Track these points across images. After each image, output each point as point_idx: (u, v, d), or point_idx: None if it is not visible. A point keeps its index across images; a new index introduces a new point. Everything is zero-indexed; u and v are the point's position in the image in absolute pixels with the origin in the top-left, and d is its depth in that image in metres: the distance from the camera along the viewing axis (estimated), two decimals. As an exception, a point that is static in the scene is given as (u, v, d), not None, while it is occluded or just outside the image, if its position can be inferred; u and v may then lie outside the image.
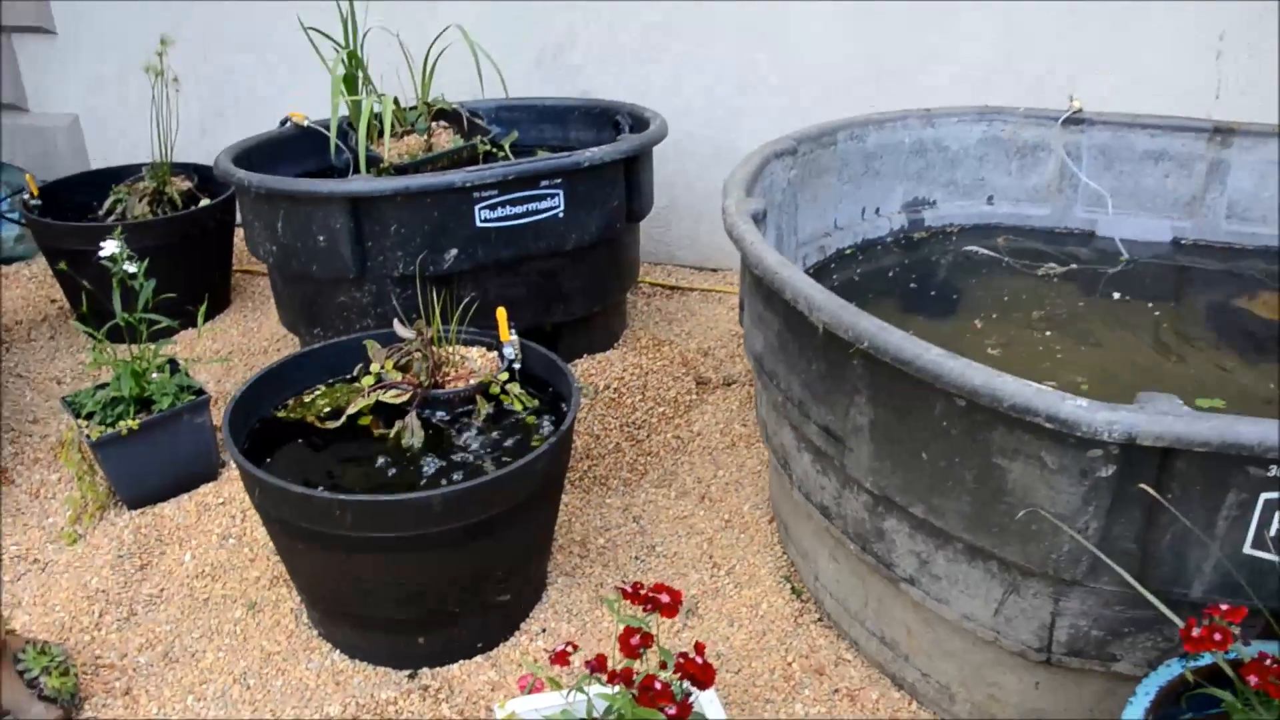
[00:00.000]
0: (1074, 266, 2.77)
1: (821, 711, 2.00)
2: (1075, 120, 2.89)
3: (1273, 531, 1.48)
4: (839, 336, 1.69)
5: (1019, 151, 2.94)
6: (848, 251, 2.78)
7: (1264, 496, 1.45)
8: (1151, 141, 2.89)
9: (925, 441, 1.65)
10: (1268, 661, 1.37)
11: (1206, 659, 1.47)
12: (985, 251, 2.84)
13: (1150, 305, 2.62)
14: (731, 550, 2.43)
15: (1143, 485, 1.45)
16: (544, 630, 2.23)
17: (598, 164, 2.88)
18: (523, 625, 2.24)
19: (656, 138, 3.12)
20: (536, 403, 2.34)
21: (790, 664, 2.11)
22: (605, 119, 3.47)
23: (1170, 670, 1.50)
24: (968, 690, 1.90)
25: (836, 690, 2.05)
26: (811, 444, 1.95)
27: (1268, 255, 2.87)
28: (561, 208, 2.90)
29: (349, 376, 2.45)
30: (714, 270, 4.01)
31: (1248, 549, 1.50)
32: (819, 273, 2.68)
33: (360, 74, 3.08)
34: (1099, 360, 2.37)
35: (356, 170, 2.95)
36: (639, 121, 3.28)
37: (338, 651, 2.20)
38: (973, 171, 2.95)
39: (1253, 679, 1.36)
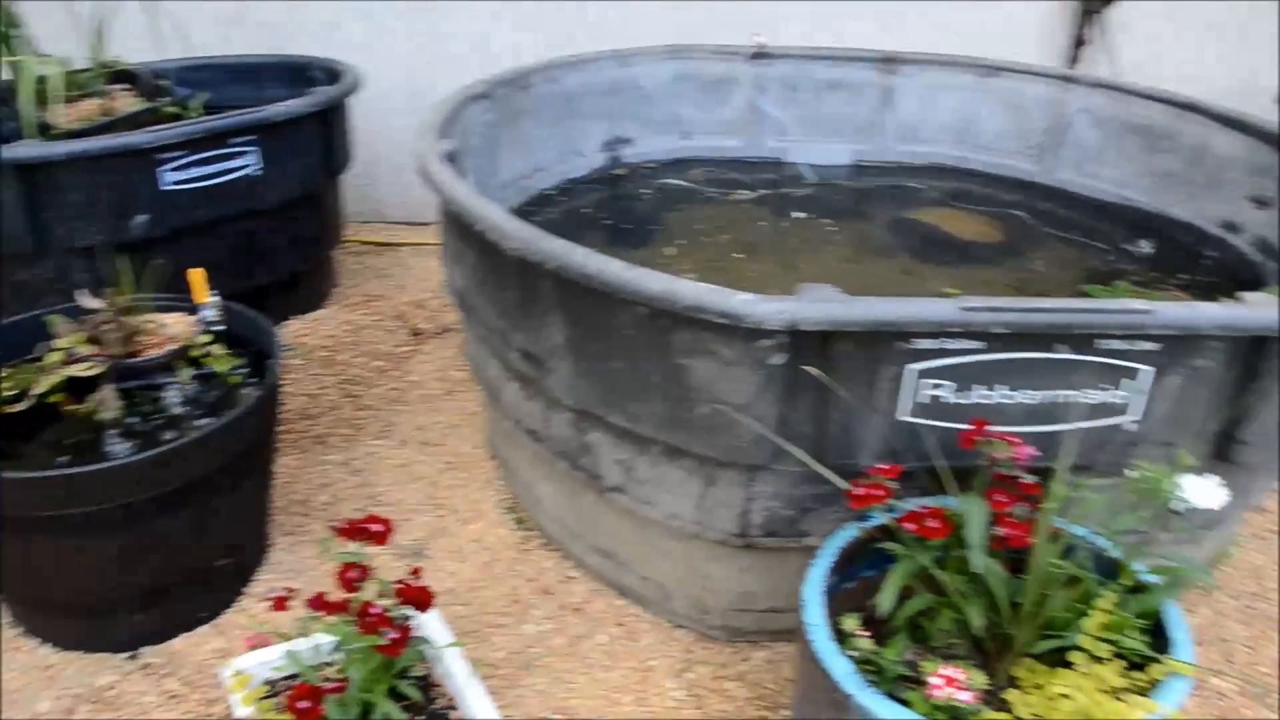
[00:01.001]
0: (764, 192, 2.94)
1: (552, 628, 2.07)
2: (760, 55, 3.05)
3: (923, 399, 1.64)
4: (531, 261, 1.74)
5: (710, 87, 3.07)
6: (550, 192, 2.83)
7: (909, 368, 1.61)
8: (829, 71, 3.09)
9: (616, 352, 1.72)
10: (922, 510, 1.53)
11: (877, 519, 1.62)
12: (682, 183, 2.96)
13: (834, 222, 2.83)
14: (454, 491, 2.46)
15: (808, 368, 1.58)
16: (270, 591, 2.17)
17: (291, 118, 2.81)
18: (246, 590, 2.19)
19: (350, 89, 3.07)
20: (242, 363, 2.27)
21: (518, 588, 2.16)
22: (299, 75, 3.37)
23: (847, 533, 1.64)
24: (683, 586, 2.01)
25: (564, 606, 2.12)
26: (516, 371, 2.00)
27: (935, 171, 3.15)
28: (257, 165, 2.81)
29: (32, 357, 2.30)
30: (424, 225, 3.98)
31: (902, 416, 1.66)
32: (522, 213, 2.71)
33: (15, 33, 2.86)
34: (789, 275, 2.54)
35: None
36: (333, 75, 3.22)
37: (48, 646, 2.07)
38: (668, 108, 3.06)
39: (910, 526, 1.52)
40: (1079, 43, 3.45)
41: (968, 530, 1.49)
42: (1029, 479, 1.56)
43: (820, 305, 1.52)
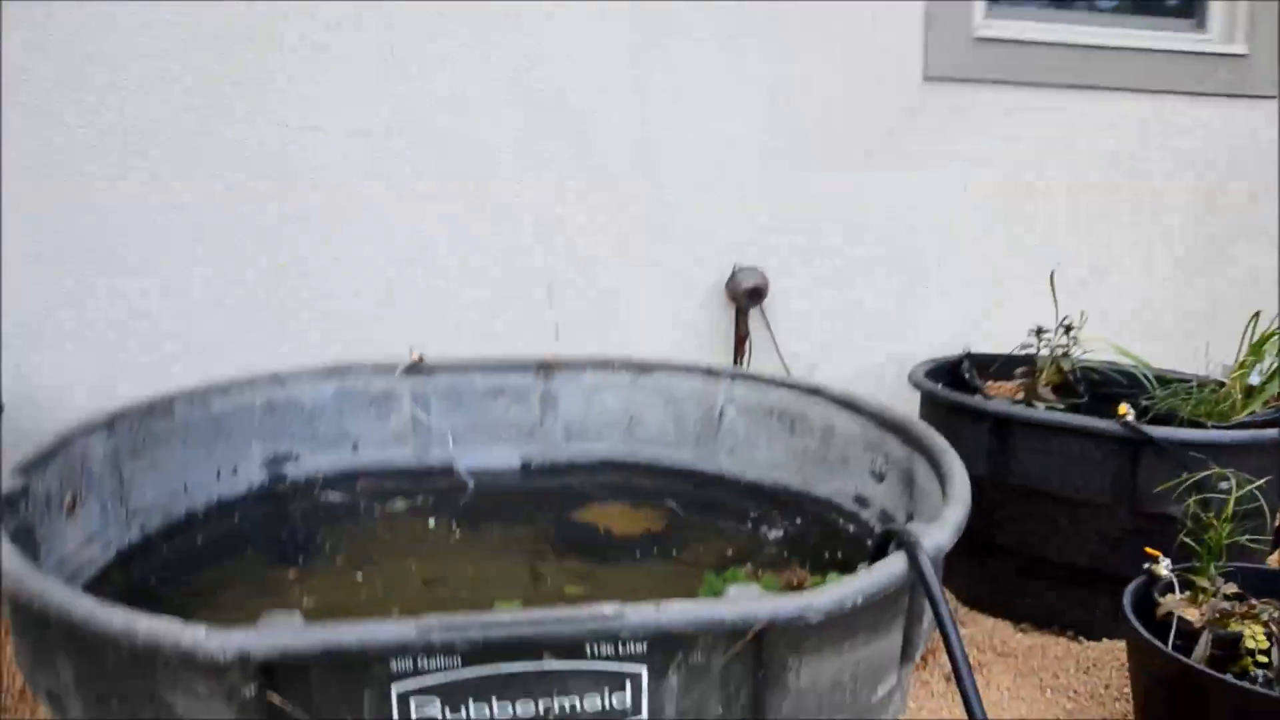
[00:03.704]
0: (419, 500, 2.99)
1: None
2: (418, 370, 3.18)
3: (414, 717, 1.63)
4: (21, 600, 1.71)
5: (373, 401, 3.16)
6: (199, 513, 2.81)
7: (395, 689, 1.61)
8: (488, 381, 3.23)
9: (112, 689, 1.68)
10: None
11: None
12: (344, 498, 2.99)
13: (495, 527, 2.87)
14: (48, 847, 2.29)
15: (269, 696, 1.56)
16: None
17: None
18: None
19: None
20: None
21: None
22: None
23: None
24: None
25: None
26: (59, 711, 1.92)
27: (603, 468, 3.26)
28: None
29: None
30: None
31: (398, 739, 1.64)
32: (167, 535, 2.69)
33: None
34: (425, 591, 2.54)
35: None
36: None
37: None
38: (333, 424, 3.13)
39: None
40: (740, 338, 3.69)
41: None
42: (503, 797, 1.54)
43: (272, 634, 1.52)
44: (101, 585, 2.41)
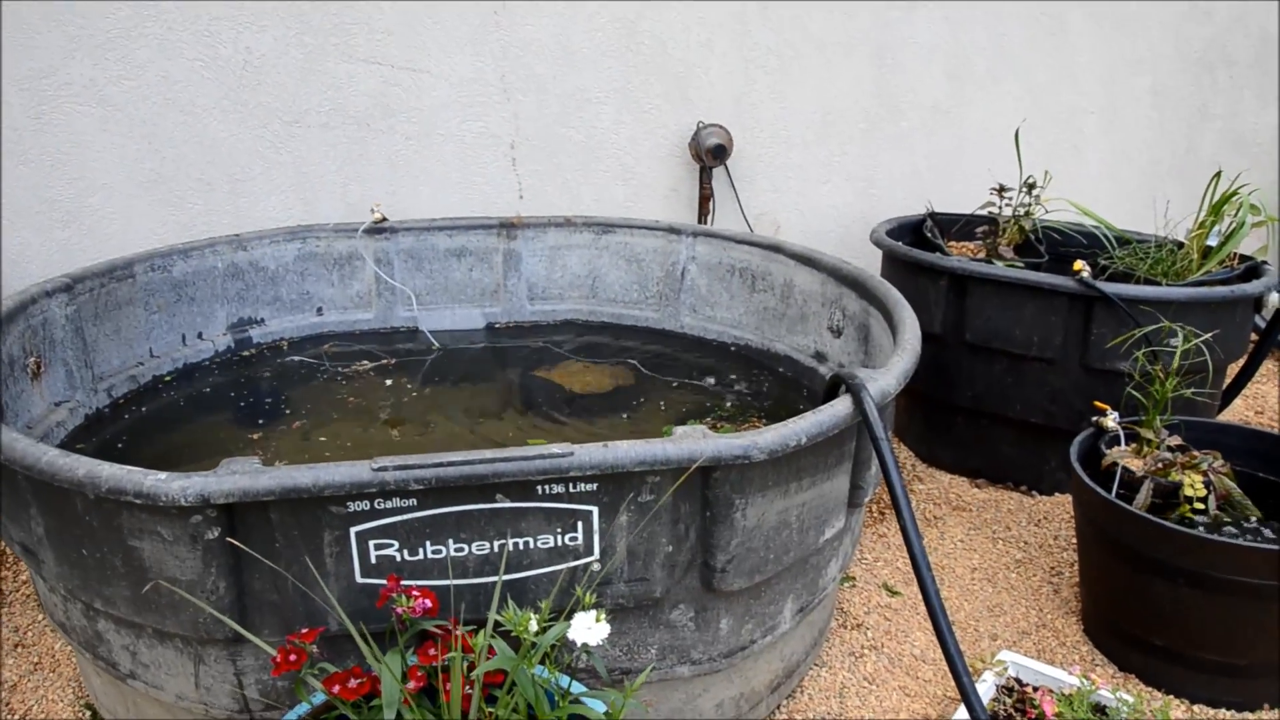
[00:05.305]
0: (385, 362, 3.02)
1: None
2: (380, 230, 3.17)
3: (374, 560, 1.70)
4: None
5: (337, 263, 3.17)
6: (167, 378, 2.85)
7: (353, 530, 1.67)
8: (451, 241, 3.23)
9: (81, 538, 1.73)
10: (353, 682, 1.56)
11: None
12: (309, 360, 3.02)
13: (454, 386, 2.91)
14: (34, 692, 2.38)
15: (231, 539, 1.62)
16: None
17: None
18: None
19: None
20: None
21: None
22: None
23: (304, 707, 1.66)
24: (216, 771, 1.98)
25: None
26: (33, 564, 1.98)
27: (567, 327, 3.29)
28: None
29: None
30: None
31: (360, 578, 1.71)
32: (134, 400, 2.73)
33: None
34: (389, 449, 2.59)
35: None
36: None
37: None
38: (296, 287, 3.14)
39: (335, 689, 1.55)
40: (704, 197, 3.69)
41: (383, 687, 1.53)
42: (459, 631, 1.62)
43: (229, 478, 1.57)
44: (70, 448, 2.45)
